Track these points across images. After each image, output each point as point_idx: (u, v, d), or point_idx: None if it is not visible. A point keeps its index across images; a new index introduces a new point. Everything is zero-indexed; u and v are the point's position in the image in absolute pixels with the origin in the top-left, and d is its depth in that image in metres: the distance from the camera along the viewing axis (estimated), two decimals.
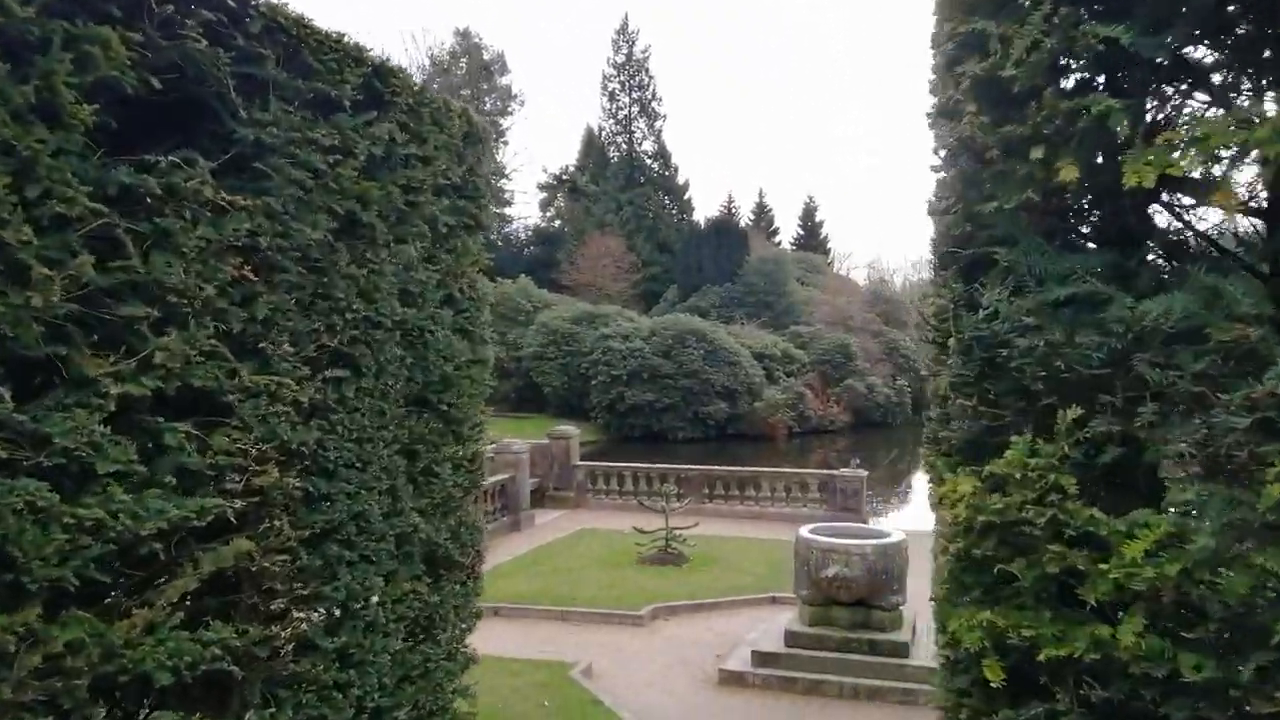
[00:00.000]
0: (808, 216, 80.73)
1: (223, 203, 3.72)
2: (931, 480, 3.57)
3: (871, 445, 43.02)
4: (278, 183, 3.96)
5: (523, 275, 53.20)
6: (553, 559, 16.34)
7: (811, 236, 79.63)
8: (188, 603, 3.79)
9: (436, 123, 5.03)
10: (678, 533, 16.05)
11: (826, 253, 79.60)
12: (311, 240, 4.10)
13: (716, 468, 22.51)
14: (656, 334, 45.39)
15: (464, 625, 5.36)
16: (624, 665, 11.14)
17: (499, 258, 58.67)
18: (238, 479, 3.79)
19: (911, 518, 24.32)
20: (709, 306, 54.86)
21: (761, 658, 10.52)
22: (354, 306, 4.34)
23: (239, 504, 3.80)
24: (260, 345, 3.93)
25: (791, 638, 10.61)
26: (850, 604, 10.53)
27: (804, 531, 11.05)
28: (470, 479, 5.30)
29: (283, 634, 4.04)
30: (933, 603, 4.35)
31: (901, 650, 10.22)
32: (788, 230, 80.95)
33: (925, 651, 10.34)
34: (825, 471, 21.40)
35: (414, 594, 4.83)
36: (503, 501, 19.29)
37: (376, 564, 4.56)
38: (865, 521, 19.72)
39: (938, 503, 3.55)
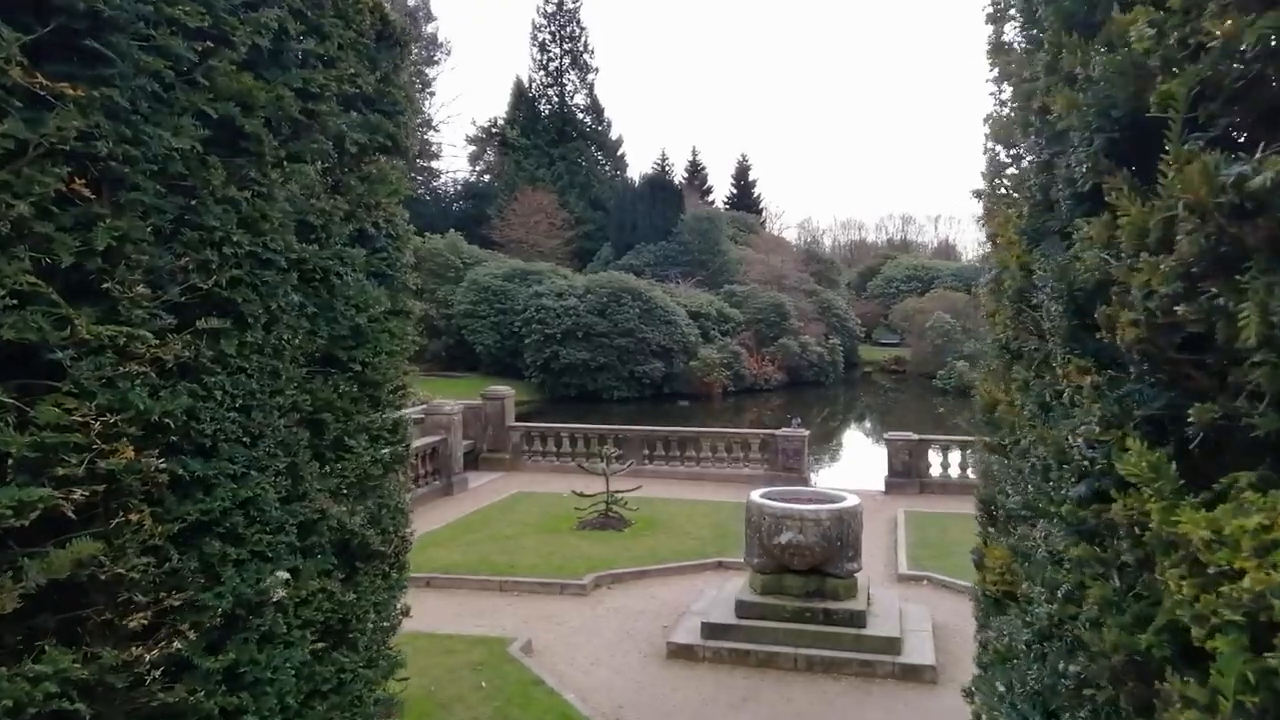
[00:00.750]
0: (741, 175, 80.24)
1: (41, 91, 2.75)
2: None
3: (805, 404, 43.16)
4: (123, 71, 2.99)
5: (451, 230, 51.49)
6: (488, 525, 15.54)
7: (745, 196, 79.24)
8: (15, 625, 2.89)
9: (341, 15, 4.05)
10: (619, 496, 15.39)
11: (759, 212, 79.37)
12: (173, 150, 3.14)
13: (656, 428, 21.89)
14: (591, 292, 44.49)
15: (387, 624, 4.50)
16: (566, 639, 10.47)
17: (427, 213, 57.03)
18: (76, 461, 2.88)
19: (846, 477, 24.25)
20: (643, 265, 54.15)
21: (712, 629, 9.94)
22: (235, 239, 3.40)
23: (79, 494, 2.89)
24: (103, 286, 2.98)
25: (743, 608, 10.05)
26: (804, 572, 10.01)
27: (755, 496, 10.45)
28: (392, 452, 4.42)
29: (148, 656, 3.17)
30: None
31: (858, 620, 9.76)
32: (721, 189, 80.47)
33: (880, 620, 9.91)
34: (766, 431, 20.94)
35: (324, 593, 3.96)
36: (434, 465, 18.37)
37: (274, 560, 3.68)
38: (807, 481, 19.44)
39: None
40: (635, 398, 43.32)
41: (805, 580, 10.03)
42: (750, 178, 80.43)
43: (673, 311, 44.74)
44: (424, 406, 20.41)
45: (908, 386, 53.40)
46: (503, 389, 22.44)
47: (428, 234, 49.09)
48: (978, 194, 3.79)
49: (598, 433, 21.10)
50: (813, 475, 21.97)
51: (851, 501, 10.27)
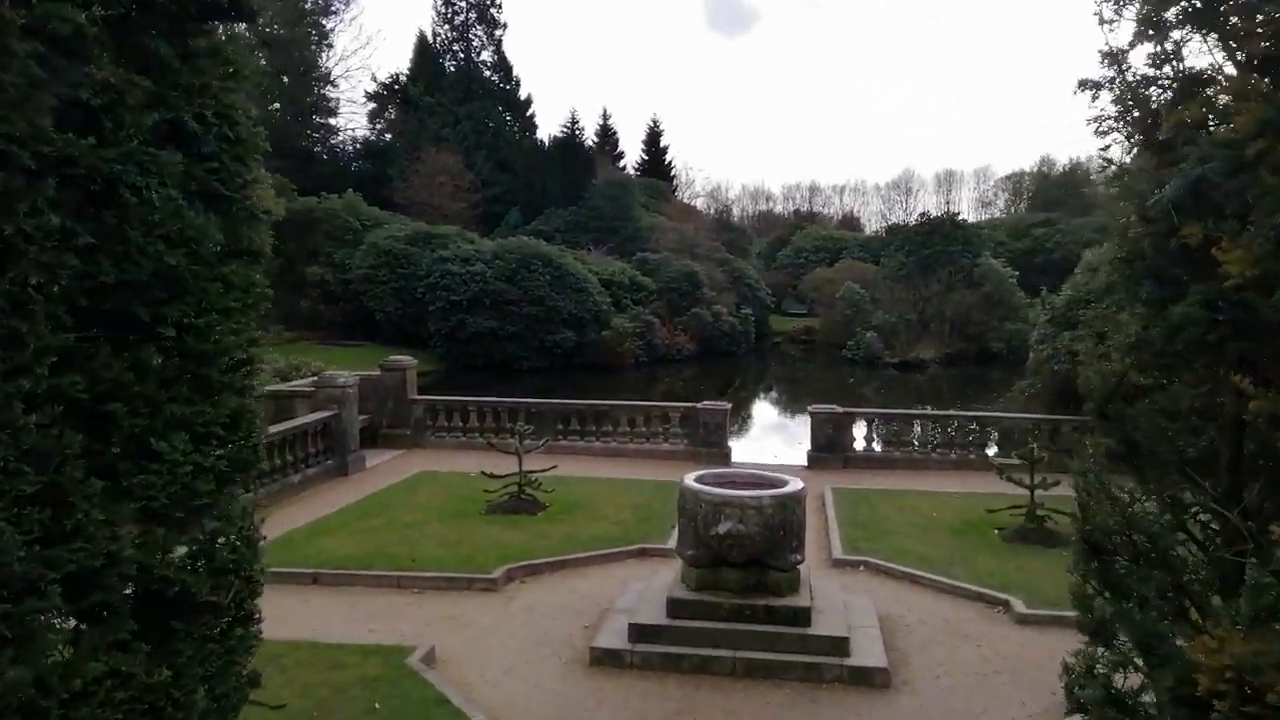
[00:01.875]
0: (653, 140, 78.90)
1: None
2: None
3: (717, 374, 42.82)
4: None
5: (350, 191, 48.65)
6: (386, 510, 14.10)
7: (656, 161, 78.06)
8: None
9: None
10: (532, 476, 14.11)
11: (671, 179, 78.34)
12: None
13: (570, 401, 20.63)
14: (500, 258, 42.80)
15: (224, 704, 3.13)
16: (475, 646, 9.24)
17: (323, 172, 53.84)
18: None
19: (764, 450, 23.54)
20: (553, 230, 52.59)
21: (641, 632, 8.87)
22: None
23: None
24: None
25: (675, 607, 9.00)
26: (743, 564, 9.01)
27: (689, 480, 9.36)
28: (232, 456, 3.04)
29: None
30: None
31: (802, 617, 8.83)
32: (632, 153, 79.21)
33: (825, 617, 9.00)
34: (687, 404, 19.93)
35: (115, 678, 2.60)
36: (326, 443, 16.71)
37: (21, 641, 2.31)
38: (728, 456, 18.55)
39: None
40: (545, 368, 42.02)
41: (744, 574, 9.05)
42: (662, 143, 79.26)
43: (584, 279, 43.42)
44: (315, 378, 18.68)
45: (816, 356, 53.72)
46: (404, 359, 20.77)
47: (324, 193, 46.32)
48: (1090, 85, 2.66)
49: (508, 406, 19.73)
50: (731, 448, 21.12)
51: (795, 485, 9.30)
